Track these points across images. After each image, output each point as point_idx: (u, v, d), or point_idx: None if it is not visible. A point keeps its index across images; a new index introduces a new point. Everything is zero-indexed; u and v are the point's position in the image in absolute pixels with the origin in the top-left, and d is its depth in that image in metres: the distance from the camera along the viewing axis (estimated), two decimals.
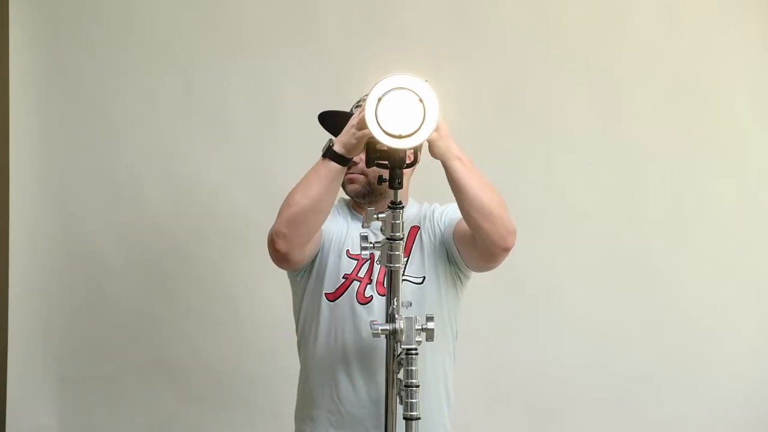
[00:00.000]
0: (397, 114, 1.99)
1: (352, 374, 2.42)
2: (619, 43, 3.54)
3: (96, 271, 3.57)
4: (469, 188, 2.23)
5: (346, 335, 2.42)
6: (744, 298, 3.53)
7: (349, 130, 2.22)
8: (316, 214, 2.30)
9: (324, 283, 2.46)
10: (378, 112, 1.99)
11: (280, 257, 2.36)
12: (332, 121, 2.44)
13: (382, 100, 1.99)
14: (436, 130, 2.13)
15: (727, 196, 3.55)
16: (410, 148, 2.09)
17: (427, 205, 2.55)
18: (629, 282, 3.51)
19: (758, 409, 3.52)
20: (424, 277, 2.43)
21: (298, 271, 2.49)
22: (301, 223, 2.30)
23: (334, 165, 2.26)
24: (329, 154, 2.26)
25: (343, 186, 2.43)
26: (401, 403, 2.06)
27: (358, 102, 2.42)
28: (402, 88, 1.99)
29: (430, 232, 2.47)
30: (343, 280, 2.44)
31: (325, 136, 2.52)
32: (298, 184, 2.32)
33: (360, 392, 2.41)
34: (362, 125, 2.14)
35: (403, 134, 1.99)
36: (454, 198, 2.30)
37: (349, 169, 2.34)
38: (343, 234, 2.49)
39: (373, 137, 2.03)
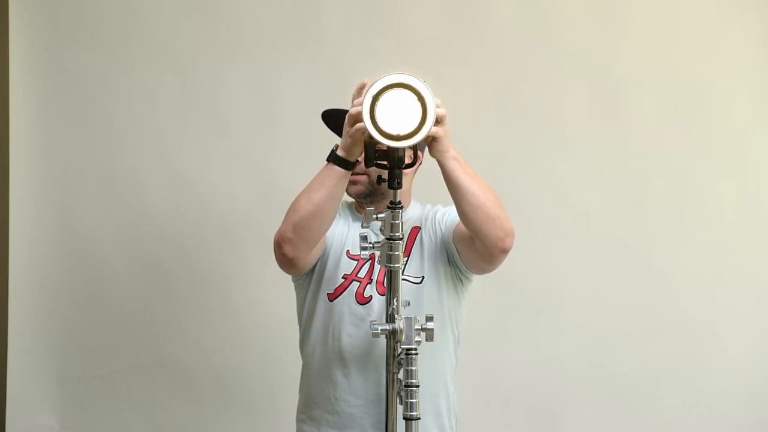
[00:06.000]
0: (394, 114, 1.99)
1: (349, 374, 2.42)
2: (618, 43, 3.54)
3: (96, 270, 3.57)
4: (466, 188, 2.23)
5: (343, 335, 2.42)
6: (744, 298, 3.53)
7: (344, 130, 2.22)
8: (321, 218, 2.30)
9: (325, 284, 2.46)
10: (375, 112, 1.99)
11: (286, 262, 2.37)
12: (336, 120, 2.44)
13: (379, 99, 1.99)
14: (442, 126, 2.13)
15: (727, 196, 3.54)
16: (409, 148, 2.09)
17: (430, 206, 2.55)
18: (629, 282, 3.51)
19: (758, 409, 3.52)
20: (423, 277, 2.44)
21: (301, 275, 2.49)
22: (307, 228, 2.30)
23: (337, 169, 2.26)
24: (332, 158, 2.26)
25: (346, 189, 2.42)
26: (401, 403, 2.06)
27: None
28: (401, 86, 1.99)
29: (431, 232, 2.47)
30: (342, 280, 2.44)
31: (325, 134, 2.53)
32: (304, 189, 2.32)
33: (358, 392, 2.41)
34: (352, 120, 2.14)
35: (401, 134, 1.99)
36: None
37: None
38: (344, 235, 2.49)
39: (370, 137, 2.03)
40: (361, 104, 2.02)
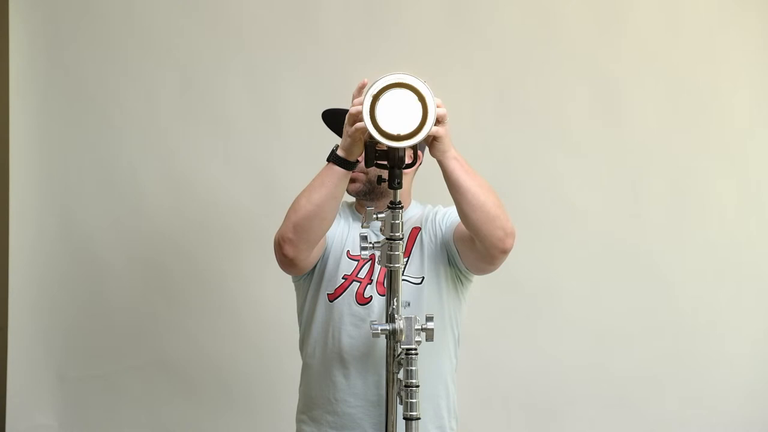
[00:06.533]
0: (395, 113, 1.98)
1: (349, 375, 2.42)
2: (618, 43, 3.54)
3: (96, 270, 3.57)
4: (467, 189, 2.22)
5: (343, 336, 2.42)
6: (744, 298, 3.53)
7: (344, 130, 2.21)
8: (321, 218, 2.30)
9: (325, 285, 2.46)
10: (375, 112, 1.99)
11: (287, 262, 2.36)
12: (336, 120, 2.44)
13: (380, 99, 1.99)
14: (443, 125, 2.13)
15: (727, 196, 3.55)
16: (409, 148, 2.09)
17: (430, 207, 2.55)
18: (629, 282, 3.51)
19: (758, 409, 3.52)
20: (423, 278, 2.43)
21: (301, 276, 2.49)
22: (308, 228, 2.30)
23: (338, 169, 2.25)
24: (332, 158, 2.26)
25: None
26: (401, 403, 2.06)
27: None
28: (401, 86, 1.99)
29: (431, 233, 2.47)
30: (343, 280, 2.44)
31: (326, 134, 2.53)
32: (304, 189, 2.32)
33: (357, 393, 2.41)
34: (352, 120, 2.14)
35: (402, 134, 1.99)
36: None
37: None
38: (345, 235, 2.49)
39: (370, 137, 2.02)
40: (361, 103, 2.02)
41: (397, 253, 2.08)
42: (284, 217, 2.33)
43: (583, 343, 3.50)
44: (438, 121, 2.09)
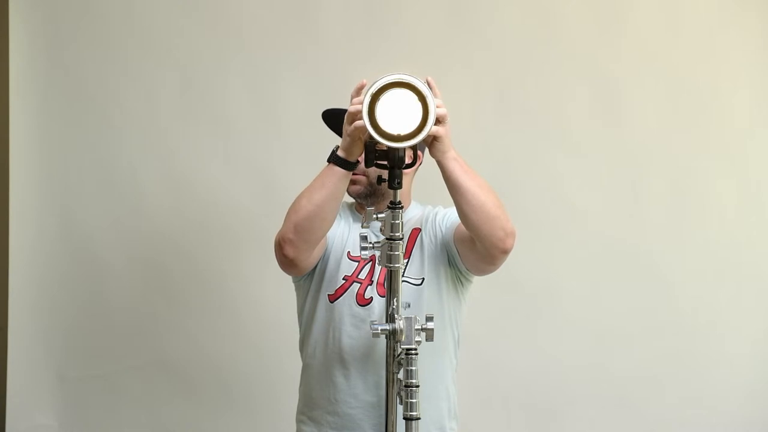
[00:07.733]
0: (394, 113, 1.98)
1: (349, 375, 2.42)
2: (618, 43, 3.54)
3: (96, 270, 3.57)
4: (466, 189, 2.22)
5: (343, 336, 2.42)
6: (744, 298, 3.53)
7: (343, 130, 2.21)
8: (321, 219, 2.30)
9: (325, 285, 2.46)
10: (375, 112, 1.98)
11: (287, 263, 2.36)
12: (336, 120, 2.44)
13: (379, 98, 1.99)
14: (443, 125, 2.13)
15: (727, 196, 3.55)
16: (409, 148, 2.09)
17: (430, 207, 2.55)
18: (629, 282, 3.51)
19: (758, 409, 3.52)
20: (423, 279, 2.43)
21: (302, 276, 2.49)
22: (308, 229, 2.30)
23: (338, 170, 2.25)
24: (333, 158, 2.26)
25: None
26: (401, 403, 2.06)
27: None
28: (401, 86, 1.98)
29: (431, 234, 2.47)
30: (343, 281, 2.44)
31: (326, 134, 2.53)
32: (305, 189, 2.32)
33: (357, 393, 2.41)
34: (351, 119, 2.14)
35: (402, 134, 1.99)
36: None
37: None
38: (345, 236, 2.49)
39: (370, 138, 2.02)
40: (360, 102, 2.01)
41: (397, 253, 2.08)
42: (284, 217, 2.33)
43: (583, 343, 3.50)
44: (438, 121, 2.09)
